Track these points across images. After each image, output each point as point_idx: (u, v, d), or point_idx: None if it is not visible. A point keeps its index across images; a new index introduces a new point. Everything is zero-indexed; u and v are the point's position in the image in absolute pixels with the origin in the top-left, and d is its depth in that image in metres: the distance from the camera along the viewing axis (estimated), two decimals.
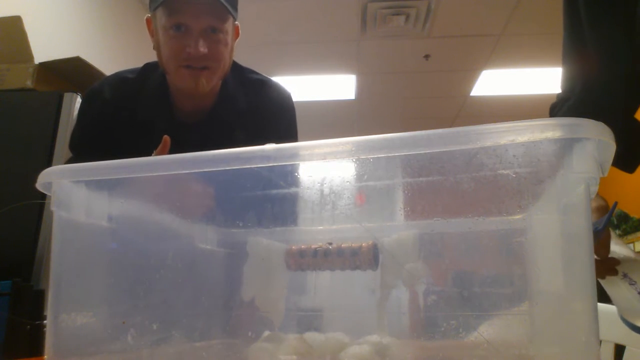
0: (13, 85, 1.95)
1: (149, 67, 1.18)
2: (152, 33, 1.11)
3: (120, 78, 1.19)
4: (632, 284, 0.85)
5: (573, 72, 0.97)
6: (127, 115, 1.13)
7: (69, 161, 1.20)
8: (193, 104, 1.15)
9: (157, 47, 1.10)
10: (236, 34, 1.16)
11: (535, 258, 0.53)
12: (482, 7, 3.31)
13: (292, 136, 1.24)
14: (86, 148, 1.17)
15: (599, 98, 0.92)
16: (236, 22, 1.14)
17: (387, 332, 0.59)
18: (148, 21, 1.12)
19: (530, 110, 4.74)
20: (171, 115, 1.16)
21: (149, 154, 0.93)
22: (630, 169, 0.94)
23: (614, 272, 0.86)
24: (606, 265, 0.86)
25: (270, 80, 1.26)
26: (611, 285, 0.87)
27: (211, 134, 1.16)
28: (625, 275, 0.86)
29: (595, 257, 0.86)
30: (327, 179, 0.56)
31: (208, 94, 1.12)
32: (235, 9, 1.09)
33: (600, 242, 0.85)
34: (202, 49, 1.02)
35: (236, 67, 1.23)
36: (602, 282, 0.88)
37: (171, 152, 0.93)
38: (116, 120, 1.13)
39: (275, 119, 1.19)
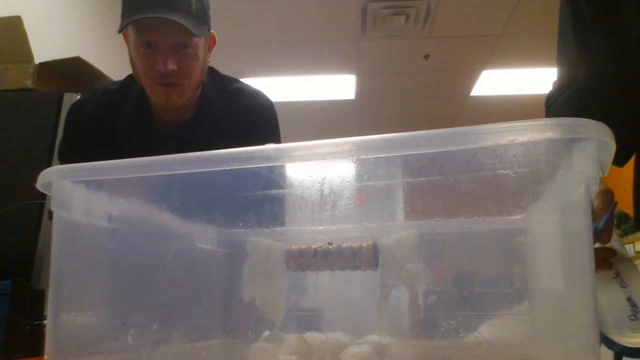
0: (13, 85, 1.95)
1: (131, 78, 1.20)
2: (128, 47, 1.14)
3: (102, 90, 1.22)
4: (623, 287, 0.81)
5: (574, 60, 0.95)
6: (109, 126, 1.16)
7: None
8: (171, 115, 1.17)
9: (131, 62, 1.13)
10: (212, 42, 1.18)
11: (535, 258, 0.53)
12: (482, 7, 3.31)
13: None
14: (71, 158, 1.20)
15: (603, 87, 0.90)
16: (211, 32, 1.15)
17: (387, 332, 0.59)
18: (124, 35, 1.14)
19: (530, 110, 4.73)
20: (151, 125, 1.18)
21: None
22: (620, 163, 0.93)
23: (608, 266, 0.83)
24: (603, 254, 0.82)
25: (251, 89, 1.27)
26: (602, 285, 0.83)
27: (190, 144, 1.17)
28: (617, 274, 0.83)
29: (597, 244, 0.83)
30: (327, 179, 0.56)
31: (185, 105, 1.14)
32: (206, 22, 1.10)
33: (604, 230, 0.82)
34: (171, 66, 1.04)
35: (217, 77, 1.25)
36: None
37: None
38: (98, 130, 1.16)
39: (255, 128, 1.20)
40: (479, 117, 4.97)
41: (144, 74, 1.08)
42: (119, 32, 1.09)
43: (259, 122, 1.22)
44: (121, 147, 1.15)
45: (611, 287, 0.78)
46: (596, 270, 0.84)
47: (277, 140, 1.26)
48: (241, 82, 1.28)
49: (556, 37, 1.00)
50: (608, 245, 0.82)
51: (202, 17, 1.08)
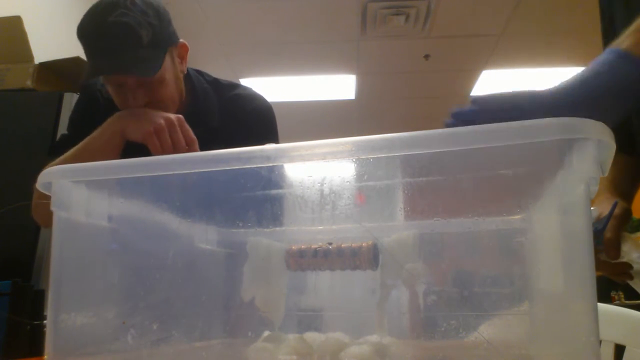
0: (13, 85, 1.95)
1: None
2: None
3: None
4: None
5: None
6: (110, 109, 1.16)
7: (62, 139, 1.23)
8: None
9: None
10: (182, 51, 1.14)
11: (535, 258, 0.53)
12: (482, 7, 3.31)
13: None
14: (77, 128, 1.22)
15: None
16: (181, 41, 1.13)
17: (387, 332, 0.59)
18: None
19: None
20: None
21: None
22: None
23: (629, 277, 0.84)
24: (618, 269, 0.83)
25: (249, 93, 1.26)
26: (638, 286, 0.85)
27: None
28: None
29: (606, 259, 0.83)
30: (327, 179, 0.56)
31: (178, 109, 1.12)
32: (163, 45, 1.05)
33: (608, 244, 0.82)
34: (141, 101, 1.05)
35: (216, 86, 1.24)
36: (631, 283, 0.86)
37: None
38: (103, 110, 1.17)
39: (253, 129, 1.20)
40: None
41: (121, 108, 1.08)
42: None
43: (257, 123, 1.22)
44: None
45: None
46: (621, 282, 0.86)
47: (275, 142, 1.26)
48: (240, 88, 1.27)
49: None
50: (626, 259, 0.83)
51: (157, 43, 1.04)
